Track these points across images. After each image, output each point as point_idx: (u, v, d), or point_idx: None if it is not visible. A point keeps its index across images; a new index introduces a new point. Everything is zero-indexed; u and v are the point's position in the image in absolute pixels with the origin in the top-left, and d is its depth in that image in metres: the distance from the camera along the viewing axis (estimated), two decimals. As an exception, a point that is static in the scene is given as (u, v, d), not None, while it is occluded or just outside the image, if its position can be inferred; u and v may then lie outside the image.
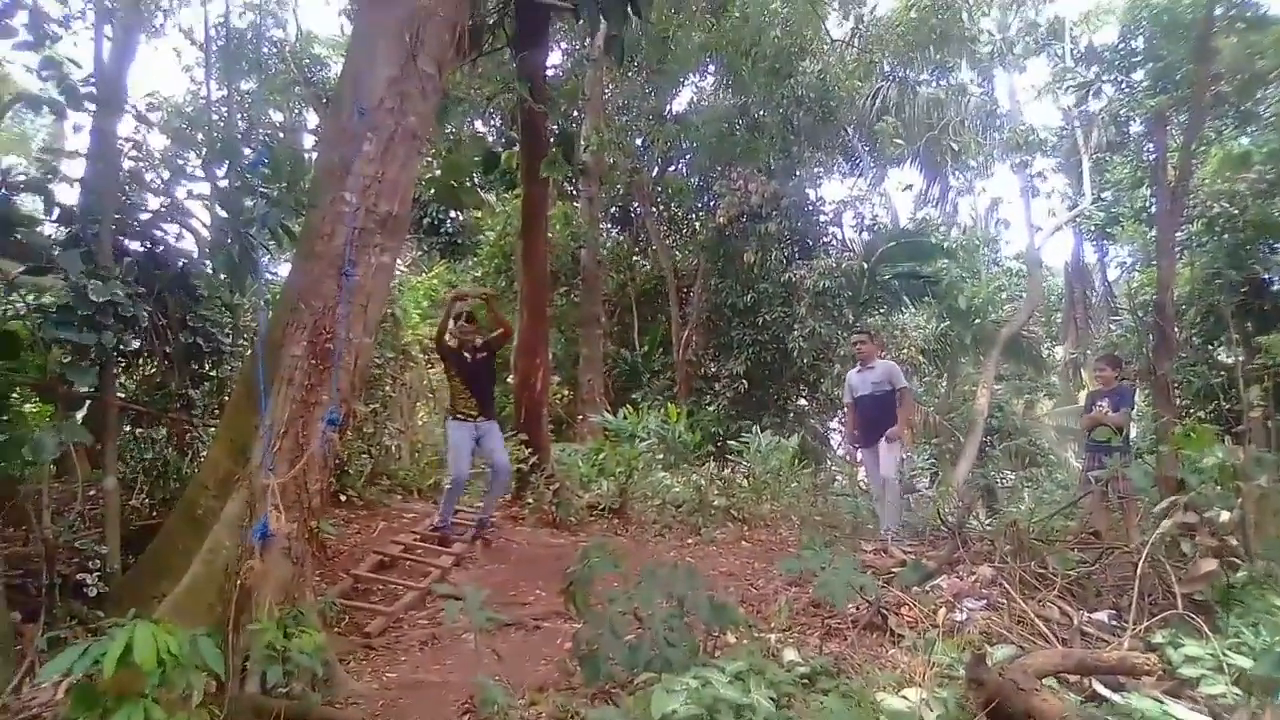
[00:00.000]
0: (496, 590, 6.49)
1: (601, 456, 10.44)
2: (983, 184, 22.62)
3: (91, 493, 6.01)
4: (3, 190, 5.02)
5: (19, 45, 5.33)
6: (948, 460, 14.38)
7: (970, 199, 23.64)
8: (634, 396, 16.89)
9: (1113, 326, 20.53)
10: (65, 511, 5.81)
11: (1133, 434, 9.14)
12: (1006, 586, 5.73)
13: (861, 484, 9.64)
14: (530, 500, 9.58)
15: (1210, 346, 11.99)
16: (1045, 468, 18.35)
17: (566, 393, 18.65)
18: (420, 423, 11.67)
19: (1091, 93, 17.93)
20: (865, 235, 19.64)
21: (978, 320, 19.17)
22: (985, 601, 5.61)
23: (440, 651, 5.55)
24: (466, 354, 8.16)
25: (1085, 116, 20.07)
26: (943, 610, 5.33)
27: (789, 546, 8.44)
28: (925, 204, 22.05)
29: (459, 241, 18.51)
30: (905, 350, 18.75)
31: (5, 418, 5.34)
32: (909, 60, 20.05)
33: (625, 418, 11.99)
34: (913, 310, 20.09)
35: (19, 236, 5.13)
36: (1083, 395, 11.98)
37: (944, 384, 21.08)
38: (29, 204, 5.97)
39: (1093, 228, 18.54)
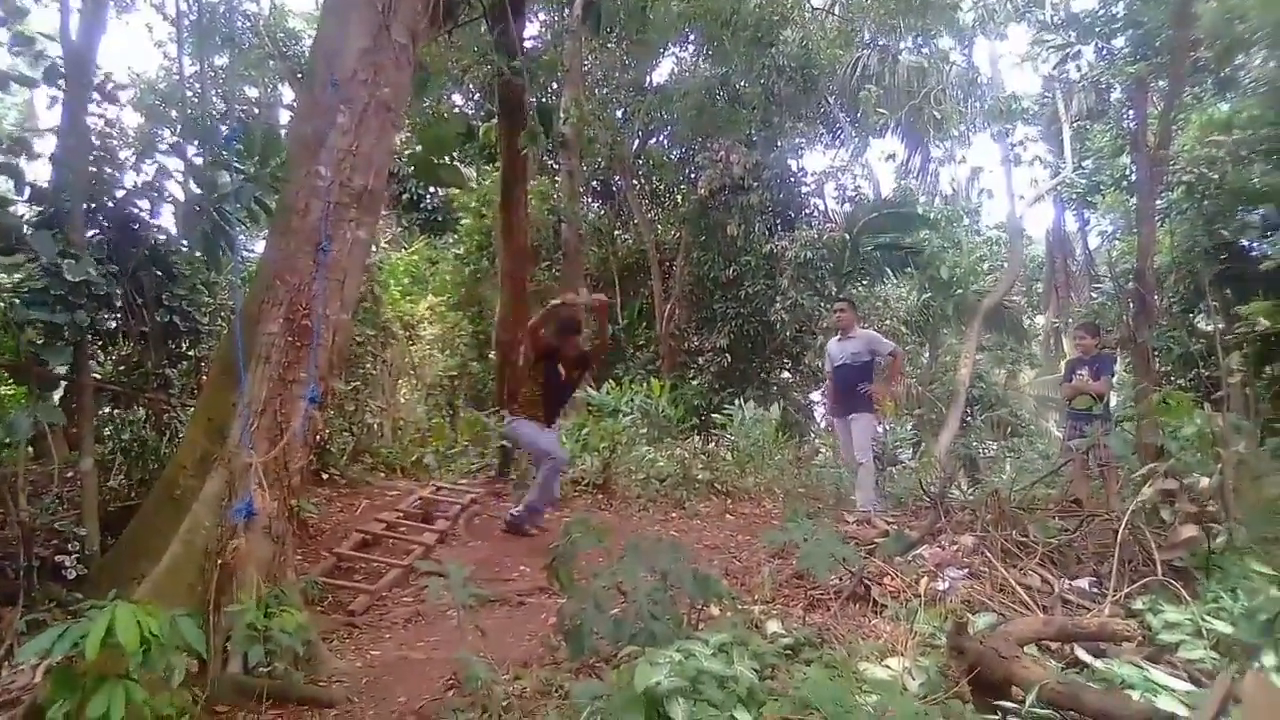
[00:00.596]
0: (480, 566, 6.48)
1: (585, 432, 10.42)
2: (964, 153, 22.61)
3: (69, 474, 5.96)
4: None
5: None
6: (930, 431, 14.40)
7: (951, 168, 23.63)
8: (616, 371, 16.87)
9: (1094, 295, 20.56)
10: (42, 493, 5.76)
11: (1113, 402, 9.18)
12: (988, 555, 5.77)
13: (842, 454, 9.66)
14: (514, 476, 9.56)
15: (1190, 314, 12.03)
16: (1026, 437, 18.45)
17: (549, 368, 18.62)
18: (402, 400, 11.62)
19: (1070, 57, 17.91)
20: (847, 206, 19.62)
21: (959, 290, 19.21)
22: (967, 570, 5.64)
23: (424, 629, 5.55)
24: (562, 369, 7.70)
25: (1066, 84, 20.06)
26: (925, 580, 5.35)
27: (772, 519, 8.46)
28: (907, 174, 22.02)
29: (439, 218, 18.39)
30: (888, 321, 18.78)
31: (-23, 399, 5.29)
32: (890, 28, 19.95)
33: (608, 393, 11.96)
34: (895, 281, 20.11)
35: (-9, 218, 5.04)
36: (1064, 364, 12.03)
37: (926, 355, 21.14)
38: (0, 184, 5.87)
39: (1074, 196, 18.55)
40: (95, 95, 6.35)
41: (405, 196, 17.70)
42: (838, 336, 9.12)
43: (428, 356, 15.39)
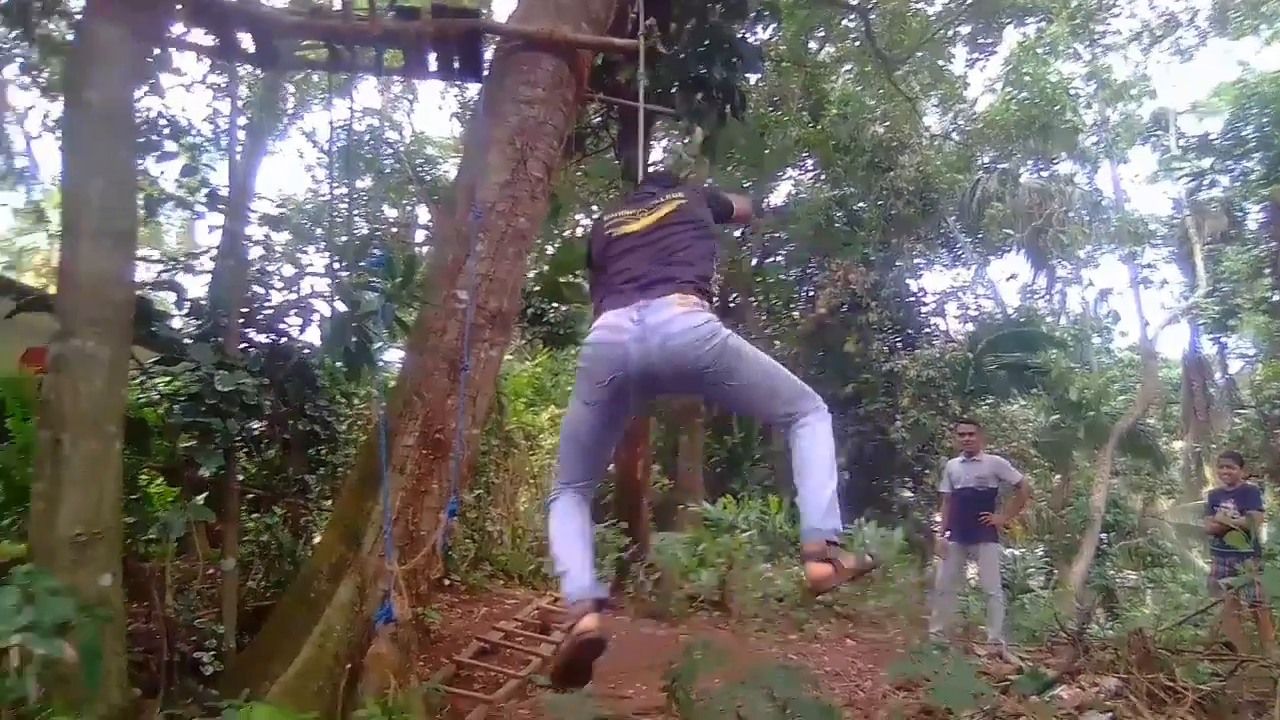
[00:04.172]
0: (596, 681, 6.45)
1: (701, 547, 10.38)
2: (1090, 274, 22.09)
3: (210, 572, 6.25)
4: (145, 287, 5.40)
5: (163, 157, 5.77)
6: (1062, 558, 13.80)
7: (1079, 289, 23.14)
8: (733, 486, 16.77)
9: (1236, 420, 19.64)
10: (185, 590, 6.05)
11: (1263, 536, 8.67)
12: (1133, 700, 5.45)
13: (970, 580, 9.31)
14: (630, 590, 9.55)
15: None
16: (1168, 568, 17.45)
17: (665, 481, 18.65)
18: (522, 509, 11.80)
19: (1204, 185, 17.56)
20: (970, 325, 19.36)
21: (1091, 413, 18.55)
22: (1110, 716, 5.33)
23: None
24: None
25: (1196, 205, 19.61)
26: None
27: (896, 646, 8.21)
28: (1031, 294, 21.66)
29: (561, 332, 18.87)
30: (1015, 443, 18.21)
31: (134, 497, 5.63)
32: (1009, 152, 19.97)
33: (724, 508, 11.91)
34: (1021, 402, 19.58)
35: (154, 329, 5.48)
36: (1206, 494, 11.45)
37: (1056, 478, 20.36)
38: (162, 297, 6.40)
39: (1209, 319, 17.93)
40: (252, 218, 6.91)
41: (530, 311, 18.28)
42: (961, 458, 8.90)
43: (548, 466, 15.61)
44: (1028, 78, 18.85)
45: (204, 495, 5.97)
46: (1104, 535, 16.54)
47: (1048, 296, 21.80)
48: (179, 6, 5.37)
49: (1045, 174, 20.45)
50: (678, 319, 2.98)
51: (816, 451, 3.05)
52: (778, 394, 3.09)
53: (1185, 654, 6.67)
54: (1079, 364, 19.51)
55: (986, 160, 20.36)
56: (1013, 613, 9.30)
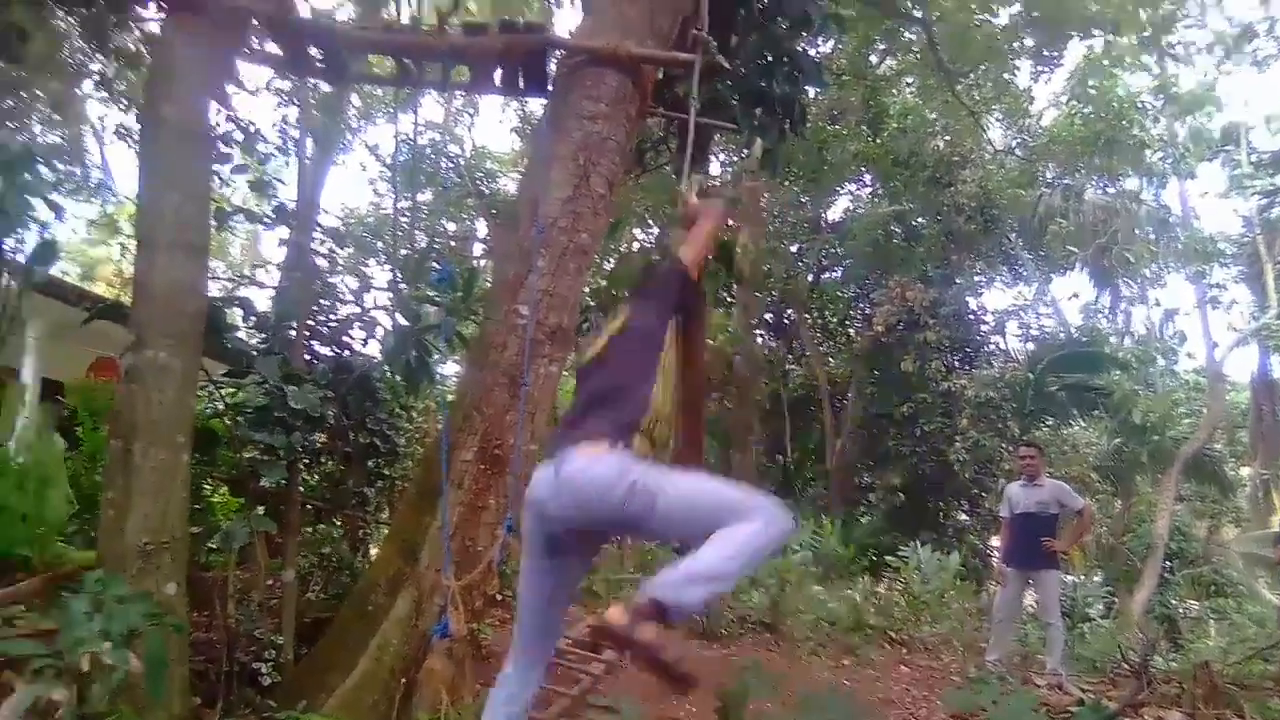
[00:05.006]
0: (648, 702, 6.41)
1: (753, 567, 10.28)
2: (1156, 294, 21.56)
3: (269, 583, 6.33)
4: (217, 300, 5.49)
5: (235, 169, 5.88)
6: (1124, 586, 13.45)
7: (1144, 308, 22.61)
8: (785, 505, 16.63)
9: (1308, 447, 19.07)
10: (245, 600, 6.13)
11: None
12: (1201, 734, 5.29)
13: (1029, 608, 9.08)
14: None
15: None
16: (1234, 599, 16.93)
17: (718, 499, 18.55)
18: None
19: (1277, 200, 17.08)
20: (1030, 345, 19.02)
21: (1155, 436, 18.09)
22: (1177, 750, 5.18)
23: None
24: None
25: (1267, 223, 19.09)
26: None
27: (951, 675, 8.05)
28: (1095, 313, 21.22)
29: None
30: (1076, 467, 17.81)
31: (197, 507, 5.72)
32: (1073, 168, 19.61)
33: (777, 527, 11.79)
34: (1082, 424, 19.17)
35: (225, 341, 5.57)
36: (1276, 521, 11.10)
37: (1118, 504, 19.88)
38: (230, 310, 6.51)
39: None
40: (318, 233, 7.02)
41: (585, 325, 18.35)
42: (1022, 481, 8.69)
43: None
44: (1093, 91, 18.52)
45: (265, 506, 6.05)
46: (1167, 563, 16.12)
47: (1111, 316, 21.31)
48: (255, 23, 5.46)
49: (1111, 190, 20.03)
50: (583, 469, 2.89)
51: (741, 535, 2.75)
52: (717, 518, 2.82)
53: (1255, 689, 6.46)
54: (1143, 386, 19.02)
55: (1050, 176, 20.01)
56: (1072, 642, 9.05)
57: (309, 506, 6.93)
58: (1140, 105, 18.67)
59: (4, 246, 4.65)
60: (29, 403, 6.32)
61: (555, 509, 2.96)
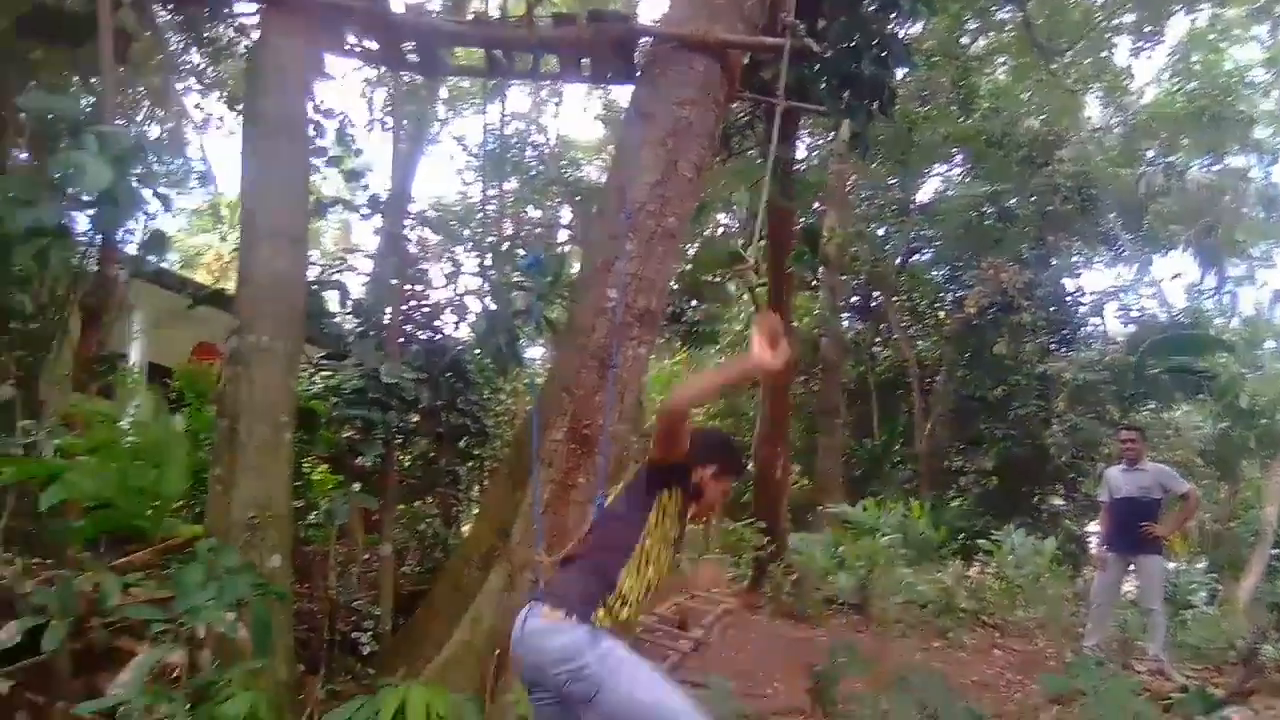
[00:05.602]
0: (735, 679, 6.46)
1: (841, 549, 10.23)
2: (1265, 274, 20.67)
3: (367, 557, 6.57)
4: (314, 286, 5.71)
5: (329, 162, 6.09)
6: (1230, 574, 13.00)
7: (1252, 289, 21.68)
8: (873, 488, 16.47)
9: None
10: (345, 573, 6.38)
11: None
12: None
13: (1132, 594, 8.84)
14: (768, 590, 9.51)
15: None
16: (1347, 589, 16.20)
17: (805, 482, 18.47)
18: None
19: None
20: (1131, 327, 18.43)
21: (1264, 420, 17.36)
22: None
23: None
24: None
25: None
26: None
27: (1046, 660, 7.91)
28: (1199, 294, 20.43)
29: (700, 330, 18.93)
30: (1179, 451, 17.20)
31: (298, 484, 5.96)
32: (1176, 146, 18.88)
33: (865, 510, 11.71)
34: (1186, 408, 18.50)
35: (323, 325, 5.79)
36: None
37: (1224, 489, 19.15)
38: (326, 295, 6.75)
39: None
40: (410, 220, 7.21)
41: (669, 309, 18.40)
42: (1122, 465, 8.44)
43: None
44: (1197, 67, 17.80)
45: (362, 484, 6.28)
46: (1275, 551, 15.48)
47: (1217, 297, 20.50)
48: (352, 20, 5.64)
49: (1216, 168, 19.23)
50: (540, 632, 2.87)
51: None
52: None
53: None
54: (1250, 369, 18.27)
55: (1151, 154, 19.30)
56: (1174, 629, 8.80)
57: (404, 484, 7.15)
58: (1249, 80, 17.87)
59: (115, 237, 4.89)
60: (139, 385, 6.67)
61: (519, 658, 2.99)
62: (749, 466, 10.96)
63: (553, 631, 2.83)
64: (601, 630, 2.85)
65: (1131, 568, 8.08)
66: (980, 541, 12.28)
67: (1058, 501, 17.04)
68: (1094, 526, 16.33)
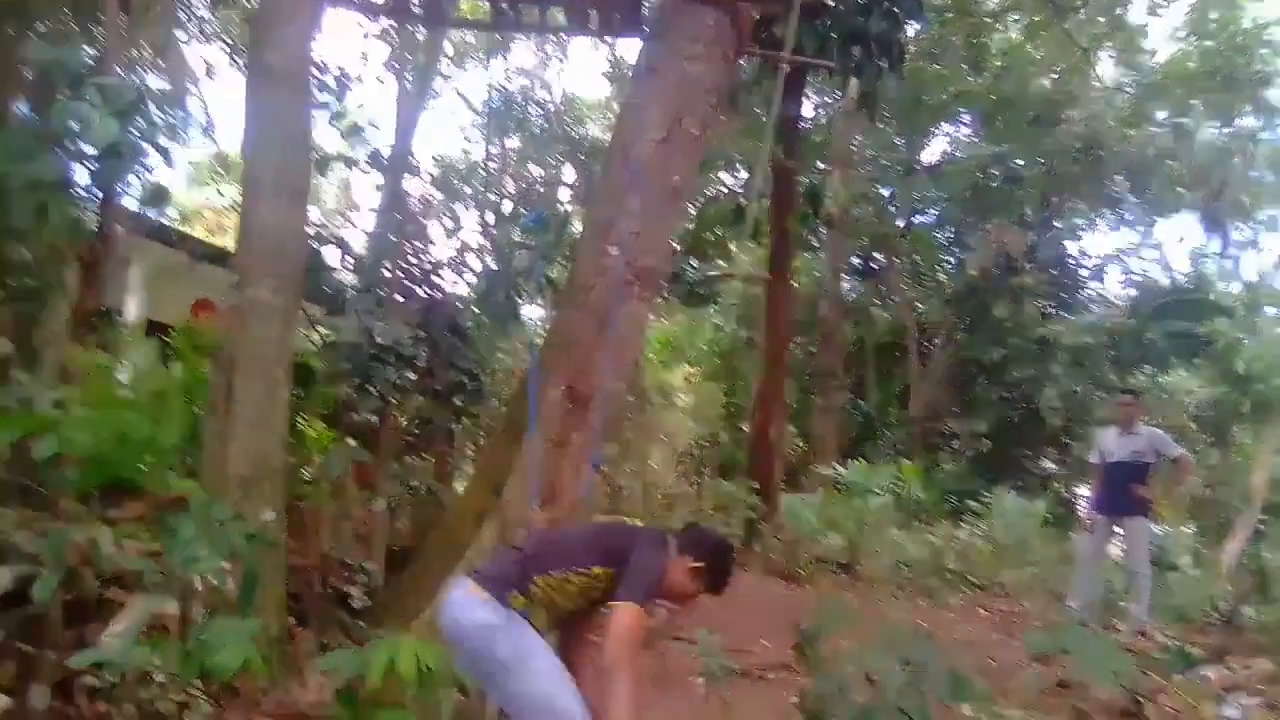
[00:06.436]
0: (722, 634, 6.50)
1: (832, 509, 10.30)
2: (1269, 239, 20.51)
3: (359, 513, 6.59)
4: (315, 241, 5.68)
5: (333, 117, 6.02)
6: (1215, 537, 13.09)
7: (1255, 254, 21.53)
8: (867, 450, 16.54)
9: None
10: (338, 529, 6.40)
11: None
12: (1288, 686, 5.17)
13: (1117, 556, 8.90)
14: (758, 548, 9.57)
15: None
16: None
17: (799, 443, 18.52)
18: (653, 465, 11.94)
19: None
20: (1132, 291, 18.37)
21: (1258, 385, 17.33)
22: (1261, 700, 5.07)
23: (664, 692, 5.60)
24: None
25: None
26: (1210, 703, 4.87)
27: (1031, 619, 7.99)
28: (1203, 259, 20.32)
29: (699, 291, 18.84)
30: (1174, 416, 17.22)
31: (293, 441, 5.96)
32: (1186, 107, 18.65)
33: (858, 471, 11.78)
34: (1183, 372, 18.51)
35: (323, 282, 5.76)
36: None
37: (1216, 455, 19.20)
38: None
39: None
40: (410, 176, 7.15)
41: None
42: (1116, 429, 8.44)
43: (680, 424, 15.76)
44: (1214, 25, 17.53)
45: (357, 440, 6.28)
46: (1264, 516, 15.56)
47: (1220, 262, 20.38)
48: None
49: (1227, 130, 19.01)
50: (460, 605, 2.95)
51: None
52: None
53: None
54: (1249, 334, 18.21)
55: (1160, 115, 19.08)
56: (1159, 591, 8.88)
57: (399, 441, 7.16)
58: (1266, 38, 17.59)
59: (116, 191, 4.84)
60: (136, 340, 6.64)
61: (440, 627, 3.08)
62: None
63: (472, 606, 2.90)
64: (517, 614, 2.91)
65: (1118, 530, 8.12)
66: (971, 503, 12.36)
67: (1049, 465, 17.14)
68: (1084, 490, 16.42)
